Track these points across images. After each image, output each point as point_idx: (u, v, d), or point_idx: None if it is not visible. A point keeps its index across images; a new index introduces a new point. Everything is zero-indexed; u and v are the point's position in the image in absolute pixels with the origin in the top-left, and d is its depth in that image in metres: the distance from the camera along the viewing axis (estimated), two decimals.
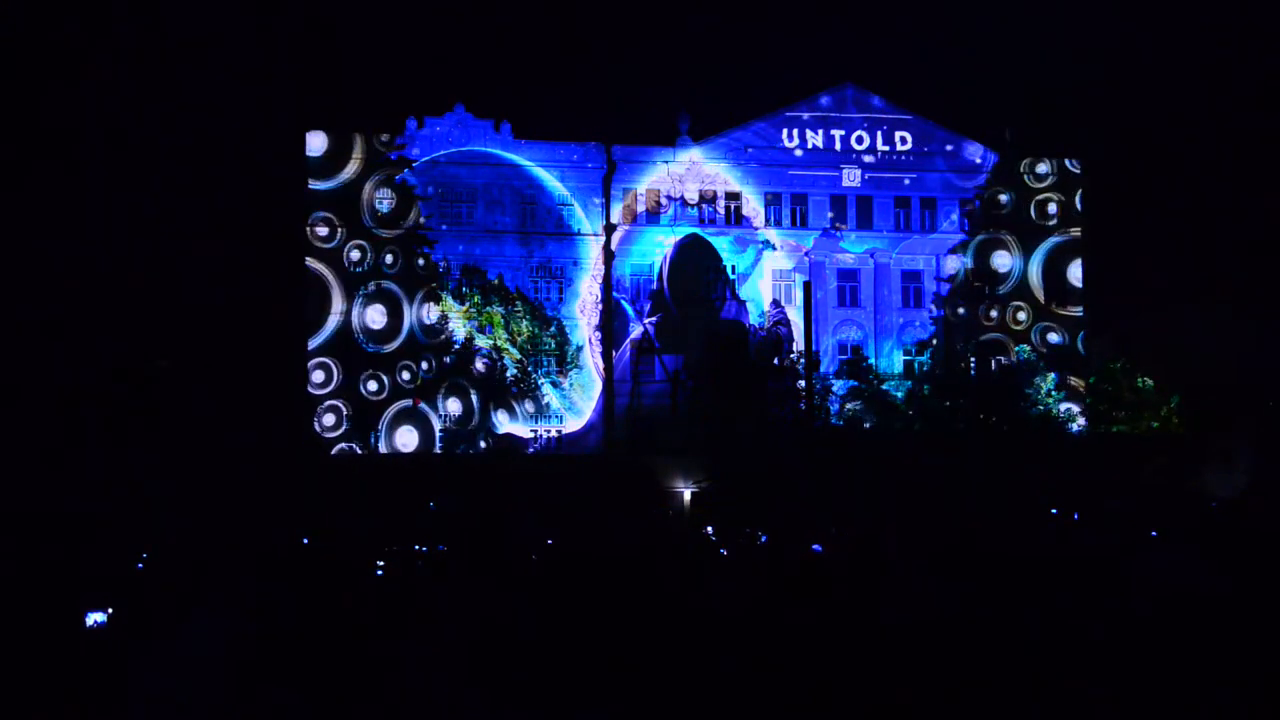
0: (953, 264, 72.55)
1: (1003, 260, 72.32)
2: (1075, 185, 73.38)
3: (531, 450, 67.01)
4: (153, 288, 60.55)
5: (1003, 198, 72.19)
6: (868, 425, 63.93)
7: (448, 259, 68.13)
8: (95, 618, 11.75)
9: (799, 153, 72.23)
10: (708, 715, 10.63)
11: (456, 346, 67.43)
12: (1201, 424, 61.73)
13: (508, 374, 67.62)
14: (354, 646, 10.29)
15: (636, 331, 69.88)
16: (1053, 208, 72.91)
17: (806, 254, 71.77)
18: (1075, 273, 72.83)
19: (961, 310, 71.85)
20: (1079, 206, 73.25)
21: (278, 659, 9.47)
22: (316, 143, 66.84)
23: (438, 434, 66.65)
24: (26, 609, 11.51)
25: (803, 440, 53.98)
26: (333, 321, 66.17)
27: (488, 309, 67.97)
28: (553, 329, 69.10)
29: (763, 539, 25.56)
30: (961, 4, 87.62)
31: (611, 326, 69.76)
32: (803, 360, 63.86)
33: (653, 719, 10.42)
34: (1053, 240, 72.53)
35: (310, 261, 66.39)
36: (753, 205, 71.86)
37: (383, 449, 65.70)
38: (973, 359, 69.29)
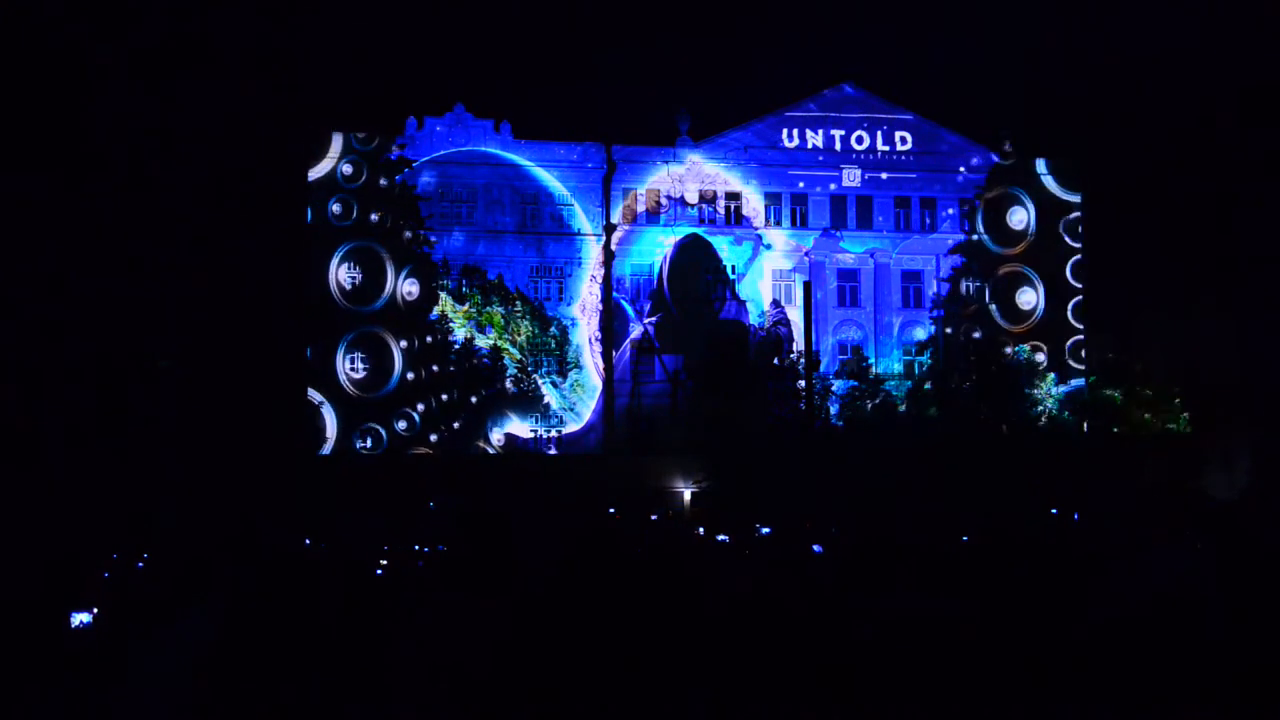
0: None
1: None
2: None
3: (530, 448, 66.96)
4: (153, 287, 60.52)
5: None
6: (868, 426, 63.85)
7: (447, 259, 68.04)
8: (81, 618, 11.69)
9: (799, 153, 72.13)
10: (711, 712, 10.62)
11: (456, 346, 67.32)
12: (1201, 424, 61.76)
13: (507, 374, 67.49)
14: (349, 650, 10.25)
15: (636, 331, 69.82)
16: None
17: (806, 254, 71.73)
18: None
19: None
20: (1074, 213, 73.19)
21: (268, 661, 9.43)
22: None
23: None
24: (9, 608, 11.46)
25: (803, 440, 53.96)
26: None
27: (488, 309, 67.89)
28: (553, 329, 69.02)
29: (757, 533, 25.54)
30: (962, 4, 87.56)
31: (611, 326, 69.68)
32: (803, 360, 63.92)
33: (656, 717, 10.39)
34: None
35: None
36: (753, 205, 71.81)
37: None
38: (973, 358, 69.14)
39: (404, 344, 66.55)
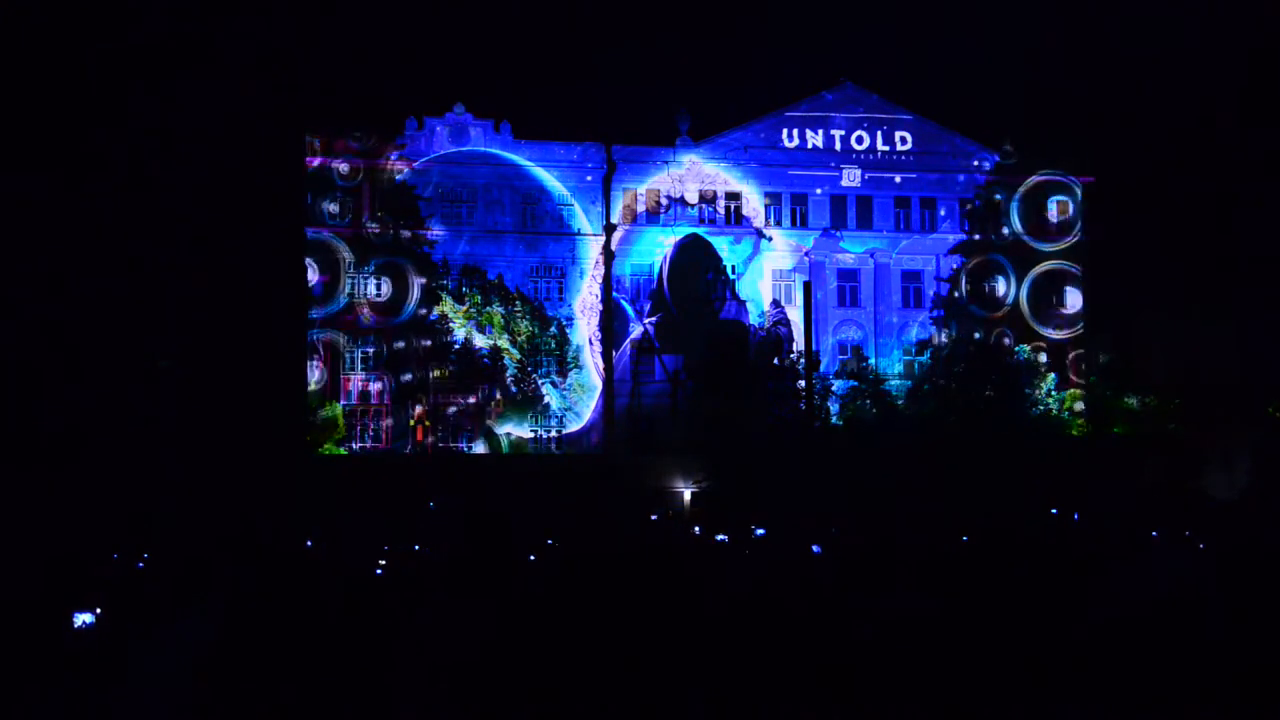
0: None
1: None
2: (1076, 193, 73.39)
3: (531, 447, 66.93)
4: (153, 287, 60.48)
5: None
6: (868, 426, 63.84)
7: (447, 259, 68.00)
8: (83, 618, 11.69)
9: (799, 153, 72.13)
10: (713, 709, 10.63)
11: (456, 346, 67.24)
12: (1201, 424, 61.71)
13: (507, 374, 67.45)
14: (349, 650, 10.26)
15: (636, 331, 69.81)
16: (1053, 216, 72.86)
17: (806, 254, 71.73)
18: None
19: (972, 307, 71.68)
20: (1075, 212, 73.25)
21: (268, 661, 9.44)
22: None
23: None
24: (14, 609, 11.47)
25: (803, 440, 53.93)
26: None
27: (487, 309, 67.86)
28: (553, 329, 68.97)
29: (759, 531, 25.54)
30: (962, 4, 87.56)
31: (611, 326, 69.67)
32: (803, 360, 63.89)
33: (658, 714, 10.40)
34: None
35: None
36: (753, 205, 71.81)
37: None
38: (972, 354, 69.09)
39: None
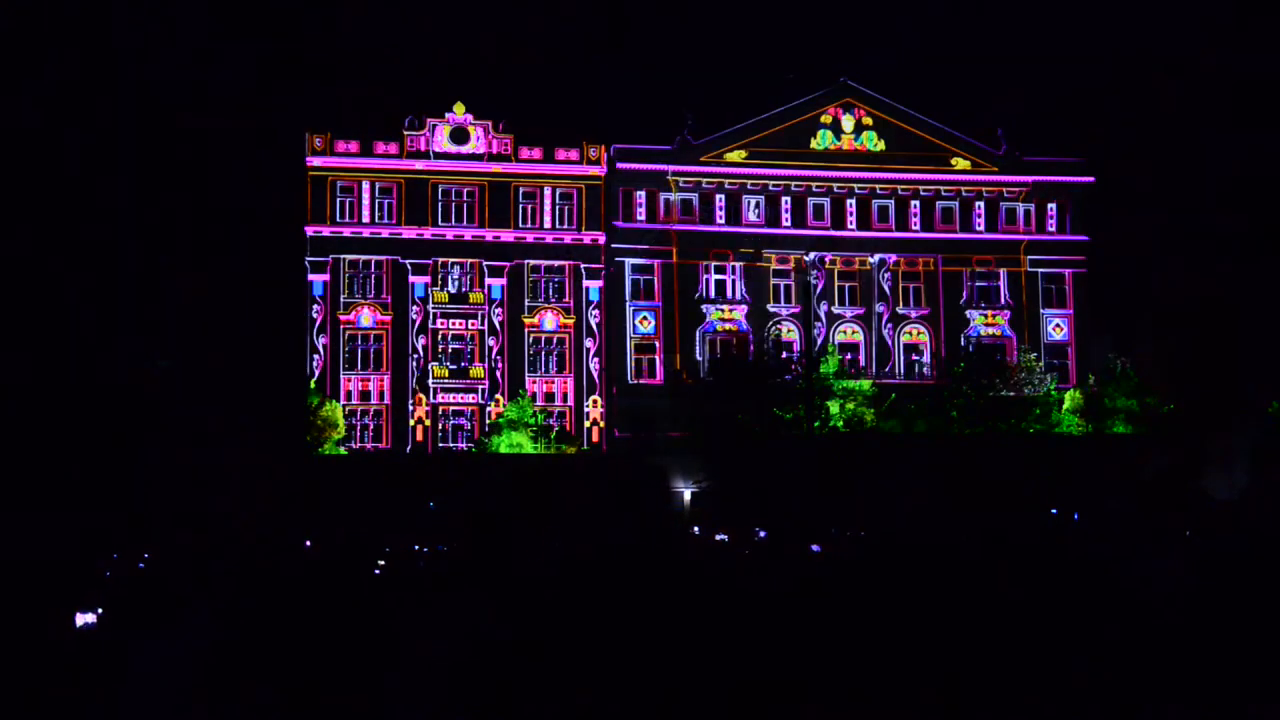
0: None
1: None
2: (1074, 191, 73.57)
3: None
4: (153, 288, 60.55)
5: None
6: (869, 427, 63.85)
7: (447, 258, 68.08)
8: (86, 619, 11.72)
9: (800, 153, 72.16)
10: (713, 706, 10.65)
11: (456, 345, 67.48)
12: (1201, 425, 61.75)
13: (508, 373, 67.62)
14: (348, 649, 10.27)
15: (637, 331, 69.85)
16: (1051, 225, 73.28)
17: (806, 254, 71.73)
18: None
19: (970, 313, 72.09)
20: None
21: (267, 661, 9.45)
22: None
23: None
24: (17, 609, 11.49)
25: (803, 440, 53.99)
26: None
27: (488, 307, 67.93)
28: (553, 328, 68.99)
29: (761, 534, 25.55)
30: (962, 4, 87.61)
31: (611, 326, 69.68)
32: (803, 361, 63.95)
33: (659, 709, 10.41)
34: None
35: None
36: (753, 205, 71.82)
37: None
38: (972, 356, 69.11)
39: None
